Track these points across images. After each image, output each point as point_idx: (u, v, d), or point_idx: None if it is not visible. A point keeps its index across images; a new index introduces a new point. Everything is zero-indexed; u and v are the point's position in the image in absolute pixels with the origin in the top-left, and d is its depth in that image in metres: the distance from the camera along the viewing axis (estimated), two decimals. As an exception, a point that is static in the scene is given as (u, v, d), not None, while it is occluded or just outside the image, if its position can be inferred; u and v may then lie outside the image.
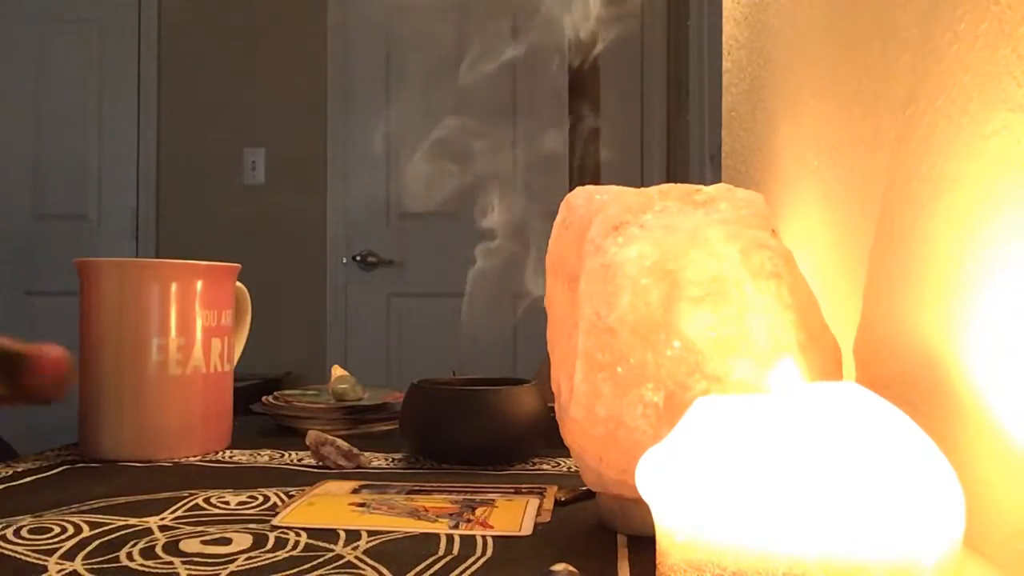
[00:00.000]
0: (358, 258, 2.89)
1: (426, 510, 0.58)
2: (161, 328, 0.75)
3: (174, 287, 0.76)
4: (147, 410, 0.75)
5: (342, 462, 0.73)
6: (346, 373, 0.98)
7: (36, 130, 3.00)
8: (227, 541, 0.51)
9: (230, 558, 0.48)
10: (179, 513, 0.57)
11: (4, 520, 0.54)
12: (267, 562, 0.47)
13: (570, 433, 0.52)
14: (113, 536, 0.52)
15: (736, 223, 0.52)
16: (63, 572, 0.45)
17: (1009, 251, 0.39)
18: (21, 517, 0.55)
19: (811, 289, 0.53)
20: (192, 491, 0.63)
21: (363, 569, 0.46)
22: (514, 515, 0.56)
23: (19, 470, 0.71)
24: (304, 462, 0.75)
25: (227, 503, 0.60)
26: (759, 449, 0.32)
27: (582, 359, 0.51)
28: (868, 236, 0.57)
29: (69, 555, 0.48)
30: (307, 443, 0.74)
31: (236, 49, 2.95)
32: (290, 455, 0.78)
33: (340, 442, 0.74)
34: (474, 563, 0.47)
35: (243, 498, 0.61)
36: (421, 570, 0.46)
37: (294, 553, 0.49)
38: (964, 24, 0.43)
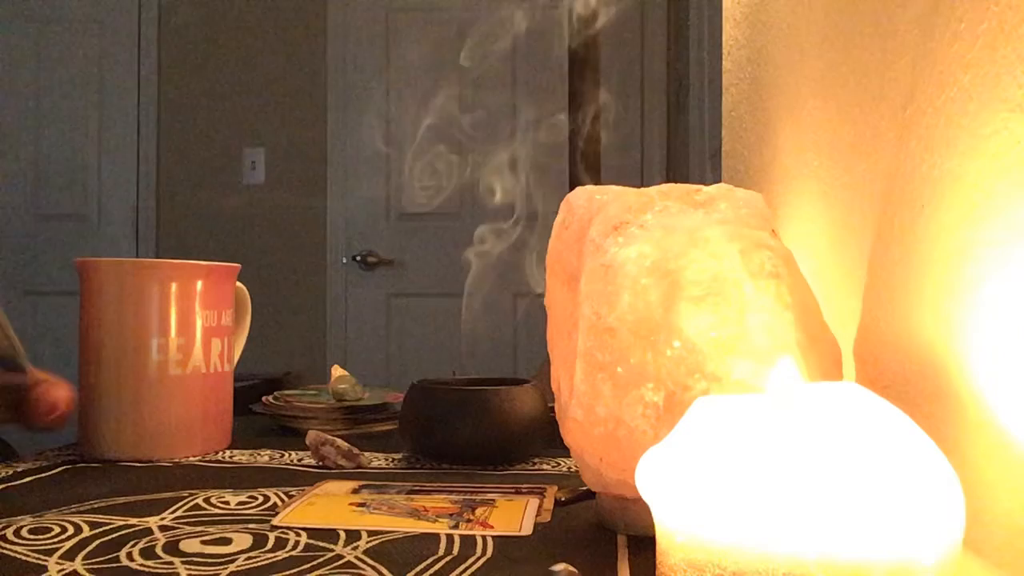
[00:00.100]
0: (358, 258, 2.89)
1: (426, 510, 0.58)
2: (161, 328, 0.76)
3: (174, 287, 0.76)
4: (147, 410, 0.75)
5: (342, 462, 0.73)
6: (346, 373, 0.98)
7: (36, 130, 3.00)
8: (227, 541, 0.51)
9: (230, 558, 0.48)
10: (179, 513, 0.57)
11: (4, 520, 0.54)
12: (267, 562, 0.47)
13: (570, 433, 0.52)
14: (113, 536, 0.52)
15: (736, 223, 0.52)
16: (63, 572, 0.45)
17: (1009, 251, 0.39)
18: (21, 517, 0.55)
19: (811, 289, 0.53)
20: (192, 491, 0.63)
21: (363, 569, 0.46)
22: (514, 515, 0.56)
23: (19, 470, 0.71)
24: (304, 462, 0.75)
25: (227, 503, 0.60)
26: (759, 449, 0.32)
27: (582, 359, 0.51)
28: (868, 236, 0.57)
29: (69, 555, 0.48)
30: (307, 443, 0.74)
31: (236, 49, 2.95)
32: (290, 455, 0.78)
33: (340, 442, 0.74)
34: (474, 563, 0.47)
35: (243, 498, 0.61)
36: (421, 570, 0.46)
37: (294, 553, 0.49)
38: (964, 24, 0.43)
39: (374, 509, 0.58)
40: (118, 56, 2.99)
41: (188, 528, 0.54)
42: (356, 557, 0.48)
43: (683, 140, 2.28)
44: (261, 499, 0.61)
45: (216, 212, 2.93)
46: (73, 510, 0.58)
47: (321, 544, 0.50)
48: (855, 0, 0.62)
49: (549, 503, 0.60)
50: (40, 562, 0.47)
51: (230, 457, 0.77)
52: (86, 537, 0.51)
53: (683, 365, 0.47)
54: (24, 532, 0.52)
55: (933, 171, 0.47)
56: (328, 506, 0.59)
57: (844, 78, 0.64)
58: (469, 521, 0.55)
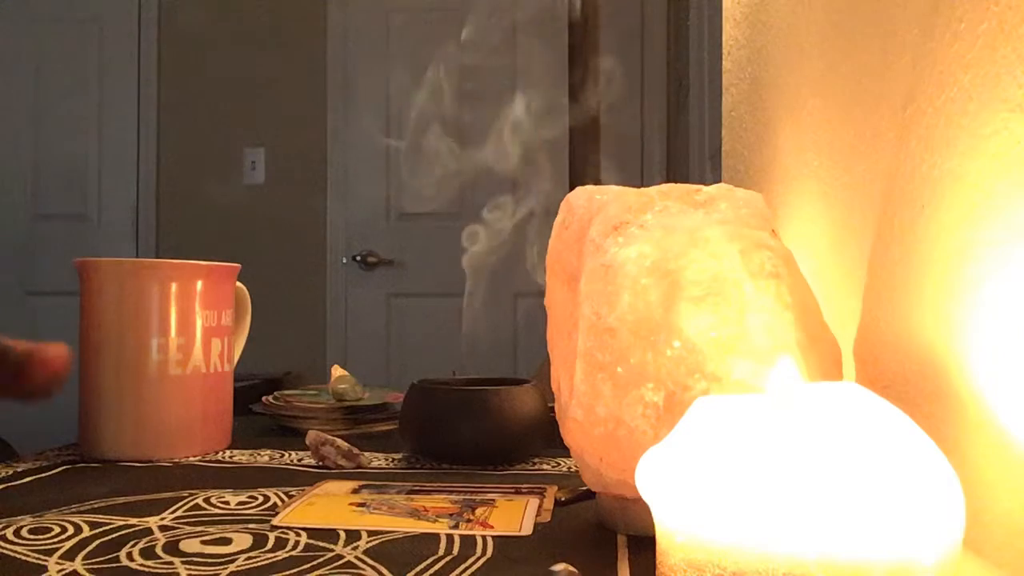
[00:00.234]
0: (358, 258, 2.89)
1: (426, 510, 0.58)
2: (161, 328, 0.76)
3: (174, 287, 0.76)
4: (147, 410, 0.75)
5: (342, 462, 0.73)
6: (346, 373, 0.98)
7: (36, 130, 3.00)
8: (227, 541, 0.51)
9: (230, 558, 0.48)
10: (179, 513, 0.57)
11: (4, 520, 0.54)
12: (267, 562, 0.47)
13: (570, 433, 0.52)
14: (113, 536, 0.52)
15: (736, 223, 0.52)
16: (63, 572, 0.45)
17: (1009, 251, 0.39)
18: (21, 517, 0.55)
19: (811, 289, 0.53)
20: (192, 491, 0.63)
21: (363, 569, 0.46)
22: (514, 515, 0.56)
23: (19, 470, 0.71)
24: (304, 462, 0.75)
25: (227, 503, 0.60)
26: (759, 449, 0.32)
27: (582, 359, 0.51)
28: (868, 236, 0.57)
29: (69, 555, 0.48)
30: (307, 443, 0.74)
31: (236, 49, 2.95)
32: (290, 455, 0.78)
33: (340, 442, 0.74)
34: (474, 563, 0.47)
35: (243, 498, 0.61)
36: (421, 570, 0.46)
37: (294, 553, 0.49)
38: (964, 24, 0.43)
39: (374, 509, 0.58)
40: (118, 56, 2.99)
41: (188, 528, 0.54)
42: (356, 557, 0.48)
43: (683, 140, 2.28)
44: (261, 499, 0.61)
45: (216, 212, 2.93)
46: (73, 510, 0.58)
47: (321, 544, 0.50)
48: (855, 0, 0.62)
49: (549, 503, 0.60)
50: (40, 562, 0.47)
51: (230, 457, 0.77)
52: (86, 537, 0.51)
53: (683, 365, 0.47)
54: (24, 532, 0.52)
55: (933, 171, 0.47)
56: (328, 506, 0.59)
57: (844, 78, 0.64)
58: (469, 521, 0.55)
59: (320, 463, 0.74)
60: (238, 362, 0.87)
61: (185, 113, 2.99)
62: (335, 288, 2.94)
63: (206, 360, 0.78)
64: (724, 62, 1.18)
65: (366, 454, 0.76)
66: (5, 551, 0.48)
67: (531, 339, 2.69)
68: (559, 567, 0.40)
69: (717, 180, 1.10)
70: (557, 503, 0.60)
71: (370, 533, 0.52)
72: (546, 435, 0.74)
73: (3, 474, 0.69)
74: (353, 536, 0.52)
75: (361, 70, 2.93)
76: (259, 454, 0.79)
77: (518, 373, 0.88)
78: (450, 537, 0.51)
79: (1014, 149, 0.38)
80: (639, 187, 0.56)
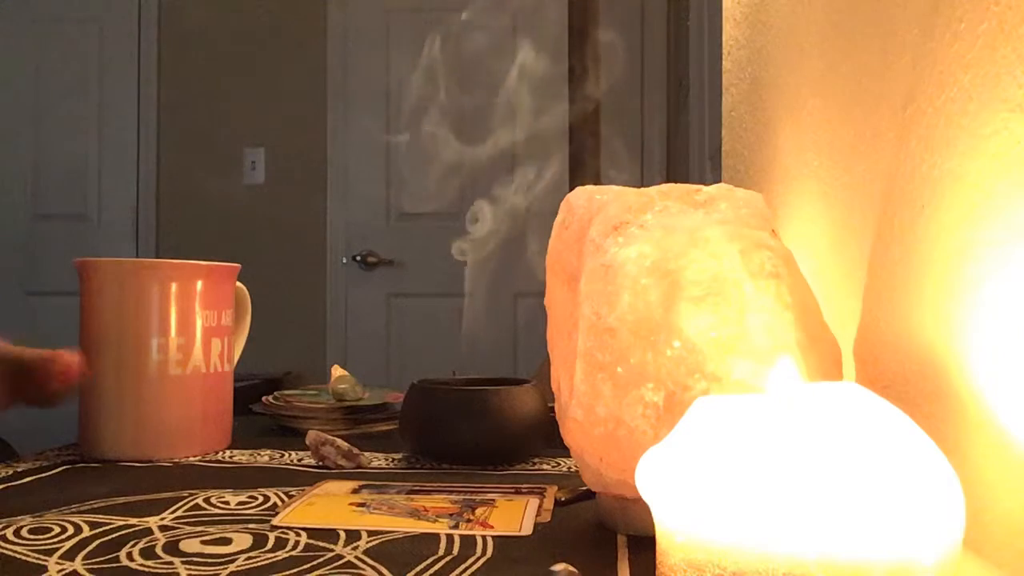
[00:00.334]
0: (358, 258, 2.89)
1: (426, 510, 0.58)
2: (161, 328, 0.75)
3: (174, 287, 0.76)
4: (147, 410, 0.75)
5: (342, 462, 0.73)
6: (346, 373, 0.98)
7: (36, 130, 3.00)
8: (227, 541, 0.51)
9: (230, 558, 0.48)
10: (179, 513, 0.57)
11: (4, 520, 0.54)
12: (267, 562, 0.47)
13: (570, 433, 0.52)
14: (113, 536, 0.52)
15: (736, 223, 0.52)
16: (63, 572, 0.45)
17: (1009, 251, 0.39)
18: (21, 517, 0.55)
19: (811, 289, 0.53)
20: (192, 491, 0.63)
21: (363, 569, 0.46)
22: (514, 515, 0.56)
23: (19, 470, 0.71)
24: (304, 462, 0.75)
25: (227, 503, 0.60)
26: (759, 449, 0.32)
27: (582, 359, 0.51)
28: (868, 236, 0.57)
29: (69, 555, 0.48)
30: (307, 443, 0.74)
31: (236, 49, 2.95)
32: (290, 455, 0.78)
33: (340, 442, 0.74)
34: (474, 563, 0.47)
35: (243, 498, 0.61)
36: (421, 570, 0.46)
37: (294, 553, 0.49)
38: (964, 24, 0.43)
39: (374, 509, 0.58)
40: (118, 56, 2.99)
41: (188, 528, 0.54)
42: (356, 557, 0.48)
43: (683, 140, 2.28)
44: (261, 499, 0.61)
45: (216, 212, 2.93)
46: (73, 510, 0.58)
47: (321, 544, 0.50)
48: (855, 0, 0.62)
49: (549, 503, 0.60)
50: (40, 562, 0.47)
51: (230, 457, 0.77)
52: (86, 537, 0.51)
53: (683, 365, 0.47)
54: (24, 532, 0.52)
55: (933, 171, 0.47)
56: (328, 506, 0.59)
57: (844, 78, 0.64)
58: (469, 521, 0.55)
59: (320, 463, 0.74)
60: (238, 362, 0.87)
61: (185, 113, 2.98)
62: (335, 288, 2.94)
63: (206, 360, 0.78)
64: (724, 62, 1.18)
65: (366, 454, 0.76)
66: (5, 551, 0.48)
67: (531, 339, 2.69)
68: (559, 567, 0.40)
69: (717, 180, 1.10)
70: (557, 503, 0.60)
71: (370, 533, 0.52)
72: (546, 435, 0.74)
73: (3, 474, 0.69)
74: (353, 536, 0.52)
75: (361, 70, 2.92)
76: (259, 454, 0.79)
77: (518, 373, 0.88)
78: (450, 537, 0.51)
79: (1014, 149, 0.38)
80: (639, 187, 0.56)
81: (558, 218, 0.58)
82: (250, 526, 0.54)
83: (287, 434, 0.91)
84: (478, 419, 0.73)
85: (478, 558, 0.48)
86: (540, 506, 0.59)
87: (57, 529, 0.53)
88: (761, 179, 0.93)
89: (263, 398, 0.97)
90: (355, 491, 0.63)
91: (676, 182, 0.58)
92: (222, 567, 0.46)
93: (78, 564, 0.46)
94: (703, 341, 0.47)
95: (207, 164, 2.95)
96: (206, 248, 2.81)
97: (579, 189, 0.58)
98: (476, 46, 2.57)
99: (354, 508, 0.58)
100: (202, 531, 0.53)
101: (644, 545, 0.47)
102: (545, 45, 2.60)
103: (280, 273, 2.85)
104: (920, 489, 0.30)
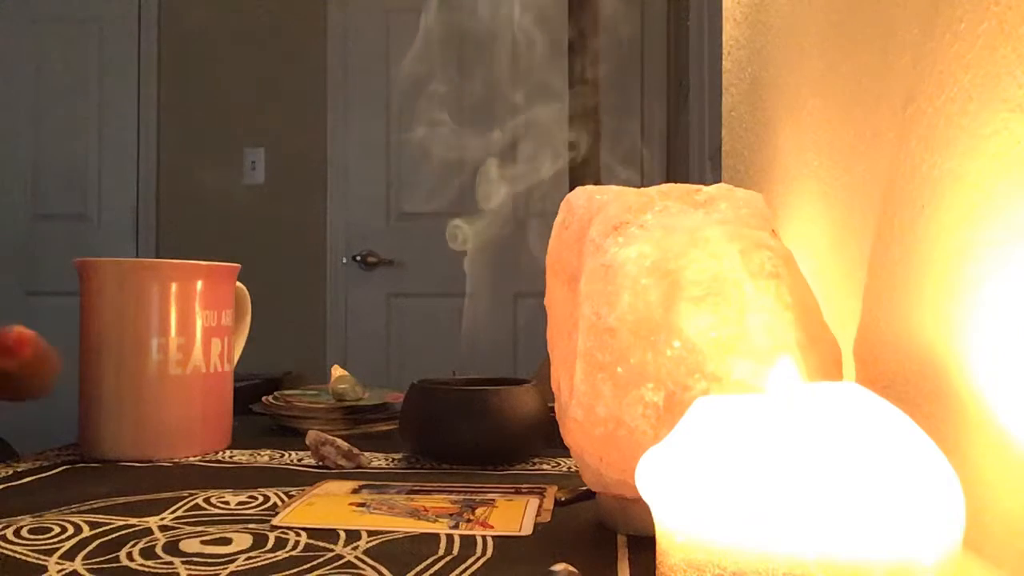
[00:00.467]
0: (358, 258, 2.89)
1: (426, 510, 0.58)
2: (161, 328, 0.76)
3: (174, 287, 0.76)
4: (147, 410, 0.75)
5: (342, 462, 0.73)
6: (346, 373, 0.98)
7: (36, 130, 3.00)
8: (227, 541, 0.51)
9: (230, 558, 0.48)
10: (179, 513, 0.57)
11: (4, 520, 0.54)
12: (267, 562, 0.47)
13: (570, 433, 0.52)
14: (113, 536, 0.52)
15: (736, 223, 0.52)
16: (63, 572, 0.45)
17: (1009, 251, 0.39)
18: (21, 517, 0.55)
19: (811, 289, 0.53)
20: (192, 491, 0.63)
21: (363, 569, 0.46)
22: (514, 515, 0.56)
23: (19, 470, 0.71)
24: (304, 462, 0.75)
25: (227, 503, 0.60)
26: (759, 449, 0.32)
27: (582, 359, 0.51)
28: (868, 236, 0.57)
29: (69, 555, 0.48)
30: (307, 443, 0.74)
31: (236, 49, 2.95)
32: (290, 455, 0.78)
33: (340, 442, 0.74)
34: (474, 563, 0.47)
35: (243, 498, 0.61)
36: (421, 570, 0.46)
37: (294, 553, 0.49)
38: (964, 24, 0.43)
39: (374, 509, 0.58)
40: (118, 56, 2.99)
41: (188, 528, 0.54)
42: (356, 557, 0.48)
43: (683, 140, 2.28)
44: (261, 499, 0.61)
45: (216, 212, 2.93)
46: (73, 510, 0.58)
47: (321, 544, 0.50)
48: (855, 0, 0.62)
49: (549, 503, 0.60)
50: (40, 562, 0.47)
51: (230, 457, 0.77)
52: (86, 537, 0.51)
53: (683, 365, 0.47)
54: (24, 532, 0.52)
55: (933, 171, 0.47)
56: (328, 506, 0.59)
57: (844, 78, 0.64)
58: (469, 521, 0.55)
59: (320, 463, 0.74)
60: (238, 362, 0.87)
61: (185, 113, 2.99)
62: (335, 288, 2.94)
63: (206, 360, 0.78)
64: (724, 62, 1.18)
65: (366, 454, 0.76)
66: (5, 551, 0.48)
67: (531, 339, 2.69)
68: (559, 567, 0.40)
69: (717, 180, 1.10)
70: (557, 503, 0.60)
71: (370, 533, 0.52)
72: (546, 435, 0.74)
73: (3, 474, 0.69)
74: (353, 536, 0.52)
75: (361, 70, 2.92)
76: (259, 454, 0.79)
77: (518, 373, 0.88)
78: (450, 537, 0.51)
79: (1014, 149, 0.38)
80: (639, 187, 0.56)
81: (558, 218, 0.58)
82: (250, 526, 0.54)
83: (287, 434, 0.91)
84: (478, 419, 0.73)
85: (478, 558, 0.48)
86: (540, 506, 0.59)
87: (57, 529, 0.53)
88: (761, 179, 0.93)
89: (263, 398, 0.97)
90: (355, 491, 0.63)
91: (676, 182, 0.58)
92: (222, 567, 0.46)
93: (78, 564, 0.46)
94: (703, 341, 0.47)
95: (207, 164, 2.95)
96: (206, 248, 2.81)
97: (579, 189, 0.58)
98: (476, 46, 2.56)
99: (354, 508, 0.58)
100: (202, 531, 0.53)
101: (644, 545, 0.47)
102: (546, 46, 2.60)
103: (280, 273, 2.85)
104: (920, 489, 0.30)
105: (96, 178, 3.00)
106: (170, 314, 0.76)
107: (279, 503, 0.60)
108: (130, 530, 0.53)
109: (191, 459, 0.76)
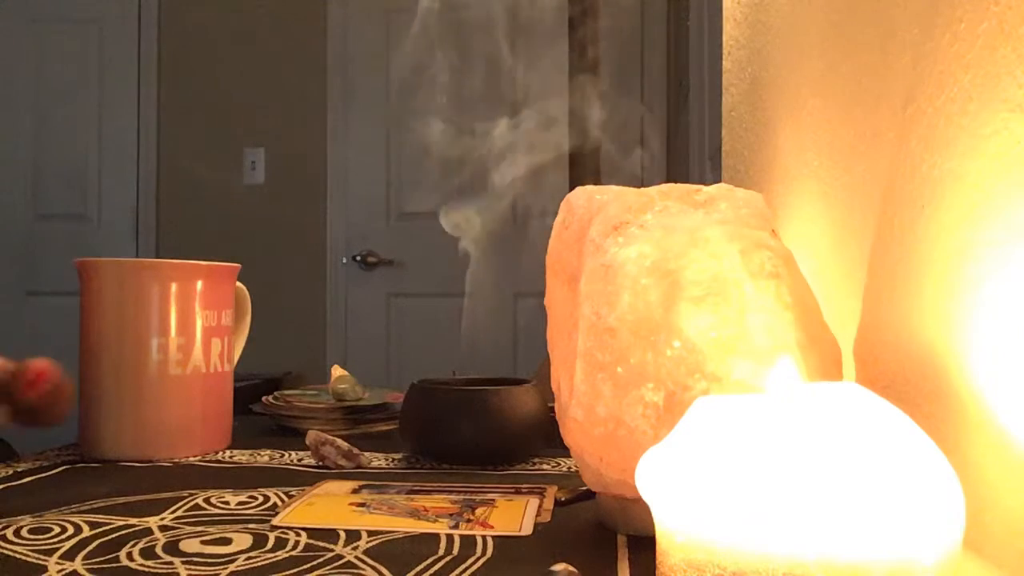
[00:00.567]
0: (358, 258, 2.89)
1: (426, 510, 0.58)
2: (161, 328, 0.76)
3: (174, 287, 0.76)
4: (147, 410, 0.75)
5: (342, 462, 0.73)
6: (346, 373, 0.98)
7: (36, 130, 3.00)
8: (227, 541, 0.51)
9: (230, 558, 0.48)
10: (179, 513, 0.57)
11: (4, 520, 0.54)
12: (267, 562, 0.47)
13: (570, 433, 0.52)
14: (113, 536, 0.52)
15: (736, 223, 0.52)
16: (63, 572, 0.45)
17: (1009, 251, 0.39)
18: (21, 517, 0.55)
19: (811, 289, 0.53)
20: (192, 491, 0.63)
21: (363, 569, 0.46)
22: (514, 515, 0.56)
23: (19, 470, 0.71)
24: (304, 462, 0.75)
25: (227, 503, 0.60)
26: (759, 449, 0.32)
27: (582, 359, 0.51)
28: (868, 236, 0.57)
29: (69, 555, 0.48)
30: (307, 443, 0.74)
31: (236, 49, 2.95)
32: (290, 455, 0.78)
33: (340, 442, 0.74)
34: (474, 563, 0.47)
35: (243, 498, 0.61)
36: (421, 570, 0.46)
37: (294, 553, 0.49)
38: (964, 24, 0.43)
39: (374, 509, 0.58)
40: (118, 56, 2.99)
41: (188, 528, 0.54)
42: (356, 557, 0.48)
43: (683, 140, 2.28)
44: (261, 499, 0.61)
45: (216, 212, 2.93)
46: (73, 510, 0.58)
47: (321, 544, 0.50)
48: (855, 0, 0.62)
49: (549, 503, 0.60)
50: (40, 562, 0.47)
51: (230, 457, 0.77)
52: (86, 537, 0.51)
53: (683, 365, 0.47)
54: (24, 532, 0.52)
55: (933, 171, 0.47)
56: (328, 506, 0.59)
57: (844, 78, 0.64)
58: (469, 521, 0.55)
59: (320, 463, 0.74)
60: (238, 362, 0.87)
61: (185, 113, 2.99)
62: (335, 288, 2.94)
63: (206, 360, 0.78)
64: (724, 62, 1.18)
65: (366, 454, 0.76)
66: (5, 551, 0.48)
67: (531, 339, 2.69)
68: (559, 567, 0.40)
69: (717, 180, 1.10)
70: (557, 503, 0.60)
71: (370, 533, 0.52)
72: (546, 435, 0.74)
73: (3, 474, 0.69)
74: (353, 536, 0.52)
75: (361, 70, 2.92)
76: (259, 454, 0.79)
77: (518, 373, 0.88)
78: (450, 537, 0.51)
79: (1014, 149, 0.38)
80: (639, 187, 0.56)
81: (558, 218, 0.58)
82: (250, 526, 0.54)
83: (287, 434, 0.91)
84: (478, 419, 0.73)
85: (478, 558, 0.48)
86: (540, 506, 0.59)
87: (57, 529, 0.53)
88: (761, 179, 0.93)
89: (263, 398, 0.97)
90: (355, 491, 0.63)
91: (676, 182, 0.58)
92: (222, 567, 0.46)
93: (78, 564, 0.46)
94: (703, 341, 0.47)
95: (207, 164, 2.95)
96: (206, 248, 2.81)
97: (579, 189, 0.58)
98: (476, 46, 2.56)
99: (354, 508, 0.58)
100: (202, 531, 0.53)
101: (644, 545, 0.47)
102: (546, 46, 2.60)
103: (280, 273, 2.85)
104: (920, 489, 0.30)
105: (96, 178, 3.00)
106: (170, 314, 0.76)
107: (279, 503, 0.60)
108: (130, 530, 0.53)
109: (191, 459, 0.76)
